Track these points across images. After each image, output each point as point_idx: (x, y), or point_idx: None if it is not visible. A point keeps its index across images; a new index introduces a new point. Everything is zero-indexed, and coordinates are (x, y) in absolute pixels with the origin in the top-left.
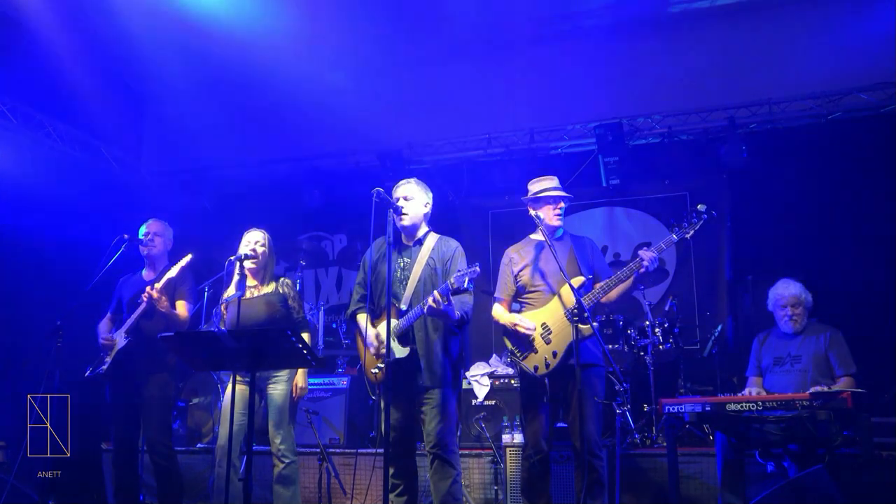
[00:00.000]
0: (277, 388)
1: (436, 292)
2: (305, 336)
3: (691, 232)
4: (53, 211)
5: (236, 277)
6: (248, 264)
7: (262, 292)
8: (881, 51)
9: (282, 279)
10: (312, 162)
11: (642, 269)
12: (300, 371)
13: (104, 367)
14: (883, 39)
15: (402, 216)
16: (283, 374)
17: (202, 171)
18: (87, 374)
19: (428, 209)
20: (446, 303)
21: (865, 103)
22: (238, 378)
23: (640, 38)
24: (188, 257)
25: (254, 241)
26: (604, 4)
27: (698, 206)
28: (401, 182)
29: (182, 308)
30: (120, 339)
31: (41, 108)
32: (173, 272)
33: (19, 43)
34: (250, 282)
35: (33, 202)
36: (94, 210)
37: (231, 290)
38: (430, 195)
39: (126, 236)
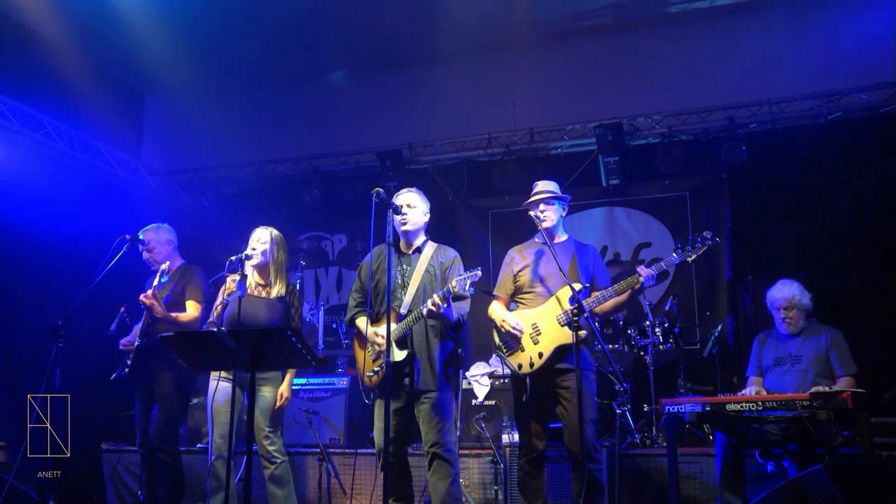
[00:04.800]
0: (265, 390)
1: (435, 296)
2: None
3: (694, 256)
4: (53, 211)
5: (238, 277)
6: (248, 263)
7: (269, 294)
8: (881, 51)
9: (290, 286)
10: (312, 162)
11: (638, 286)
12: (286, 379)
13: (126, 369)
14: (883, 39)
15: (405, 222)
16: (271, 377)
17: (202, 171)
18: (113, 377)
19: (427, 218)
20: (445, 305)
21: (865, 103)
22: (223, 375)
23: (640, 38)
24: (164, 266)
25: (256, 239)
26: (604, 4)
27: (704, 233)
28: (402, 191)
29: (192, 308)
30: (136, 343)
31: (41, 108)
32: (155, 281)
33: (19, 42)
34: (258, 280)
35: (33, 202)
36: (94, 210)
37: (230, 287)
38: (429, 205)
39: (127, 237)
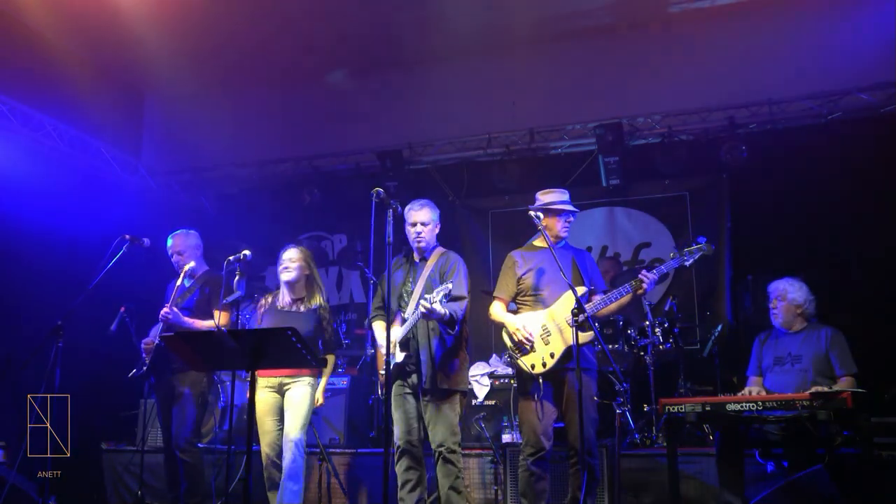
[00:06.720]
0: (297, 390)
1: (429, 296)
2: (331, 358)
3: (690, 261)
4: (53, 211)
5: (237, 278)
6: (284, 277)
7: (300, 309)
8: (881, 51)
9: (323, 303)
10: (312, 162)
11: (641, 291)
12: (321, 386)
13: (145, 368)
14: (883, 39)
15: (420, 241)
16: (305, 376)
17: (202, 171)
18: (130, 374)
19: (437, 229)
20: (432, 306)
21: (865, 103)
22: (266, 385)
23: (640, 38)
24: (189, 266)
25: (287, 258)
26: (604, 4)
27: (697, 239)
28: (414, 206)
29: (220, 318)
30: (156, 342)
31: (41, 108)
32: (178, 282)
33: (19, 42)
34: (294, 296)
35: (33, 202)
36: (94, 210)
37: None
38: (438, 213)
39: (127, 237)
